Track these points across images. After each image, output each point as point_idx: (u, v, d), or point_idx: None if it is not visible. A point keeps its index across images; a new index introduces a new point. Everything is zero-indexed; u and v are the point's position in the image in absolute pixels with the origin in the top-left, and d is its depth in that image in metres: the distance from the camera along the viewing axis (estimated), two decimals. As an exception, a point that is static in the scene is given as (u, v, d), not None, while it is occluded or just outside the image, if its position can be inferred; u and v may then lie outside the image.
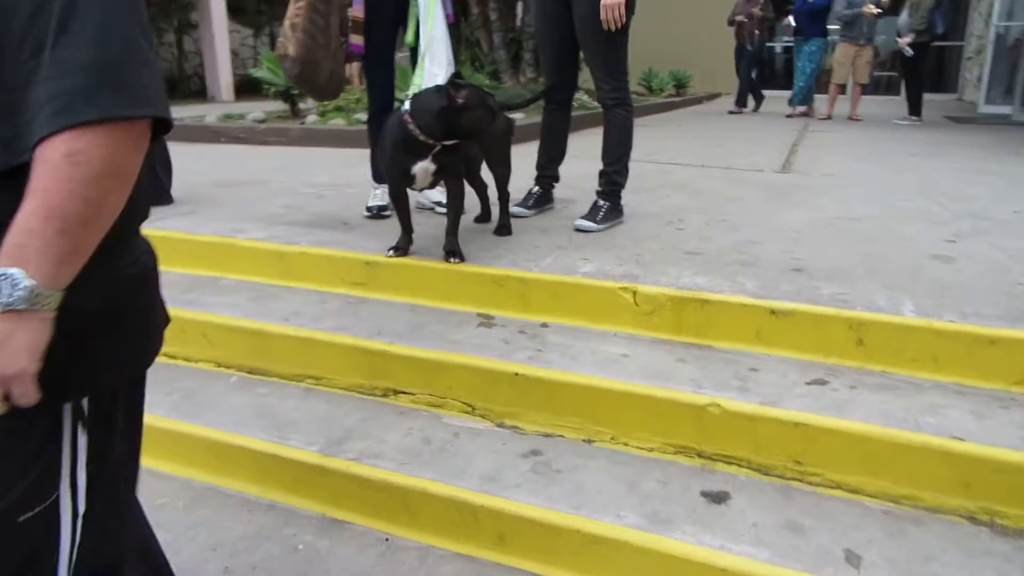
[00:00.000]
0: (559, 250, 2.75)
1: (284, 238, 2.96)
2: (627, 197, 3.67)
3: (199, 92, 14.97)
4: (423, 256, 2.69)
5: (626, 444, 2.05)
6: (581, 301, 2.39)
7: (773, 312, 2.23)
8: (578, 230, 3.03)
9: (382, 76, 3.14)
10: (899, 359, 2.13)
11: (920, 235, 3.07)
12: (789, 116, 9.45)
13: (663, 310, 2.31)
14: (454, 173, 2.56)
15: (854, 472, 1.85)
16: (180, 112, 9.61)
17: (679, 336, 2.31)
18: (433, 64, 3.03)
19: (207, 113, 8.58)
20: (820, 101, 10.39)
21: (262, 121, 7.39)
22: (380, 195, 3.35)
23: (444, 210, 3.18)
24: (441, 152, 2.47)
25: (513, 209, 3.27)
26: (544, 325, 2.41)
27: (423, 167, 2.51)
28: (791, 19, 9.45)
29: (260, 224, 3.21)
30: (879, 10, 8.67)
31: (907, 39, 8.61)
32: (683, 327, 2.31)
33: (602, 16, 2.88)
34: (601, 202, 3.13)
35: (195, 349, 2.59)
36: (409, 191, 2.65)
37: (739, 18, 10.07)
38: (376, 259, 2.68)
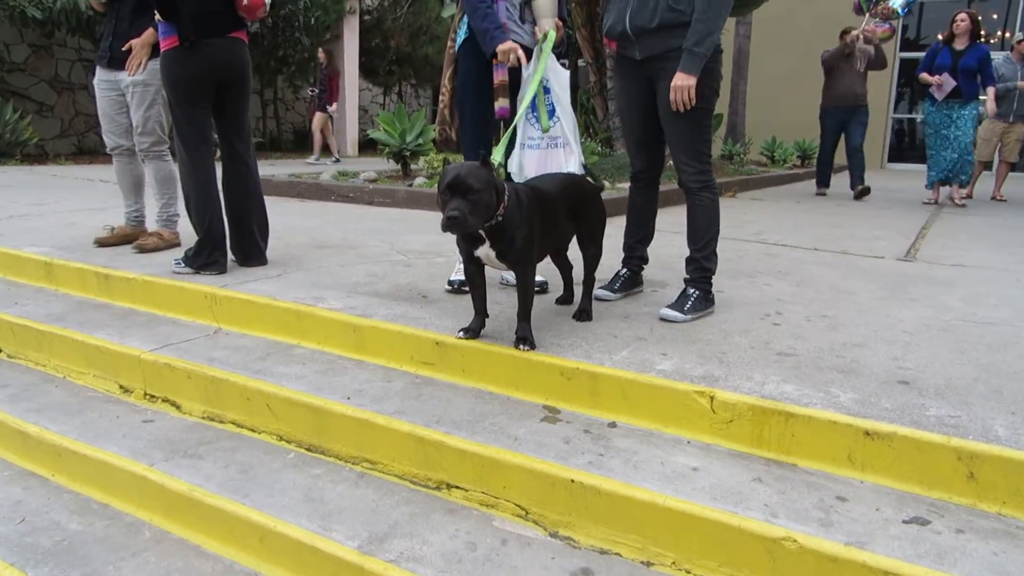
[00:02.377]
0: (638, 342, 2.65)
1: (360, 309, 2.97)
2: (723, 282, 3.51)
3: (327, 147, 15.77)
4: (495, 340, 2.63)
5: (688, 572, 1.87)
6: (653, 402, 2.28)
7: (868, 433, 2.01)
8: (663, 320, 2.93)
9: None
10: (1019, 501, 1.85)
11: (1057, 347, 2.75)
12: (930, 203, 7.89)
13: (742, 420, 2.15)
14: (516, 260, 2.51)
15: (953, 639, 1.60)
16: (303, 168, 10.11)
17: (759, 450, 2.13)
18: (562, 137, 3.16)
19: (327, 170, 8.93)
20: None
21: (373, 181, 7.66)
22: (463, 269, 3.32)
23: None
24: (497, 238, 2.46)
25: (598, 292, 3.21)
26: (612, 425, 2.29)
27: (485, 252, 2.51)
28: (946, 76, 7.40)
29: (342, 292, 3.25)
30: None
31: None
32: (764, 440, 2.13)
33: (671, 97, 2.83)
34: (691, 290, 3.03)
35: (260, 419, 2.60)
36: (493, 268, 2.66)
37: (856, 37, 7.91)
38: (446, 339, 2.64)
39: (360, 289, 3.33)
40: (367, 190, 6.89)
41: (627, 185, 7.63)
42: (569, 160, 3.16)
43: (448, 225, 2.26)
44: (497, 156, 2.95)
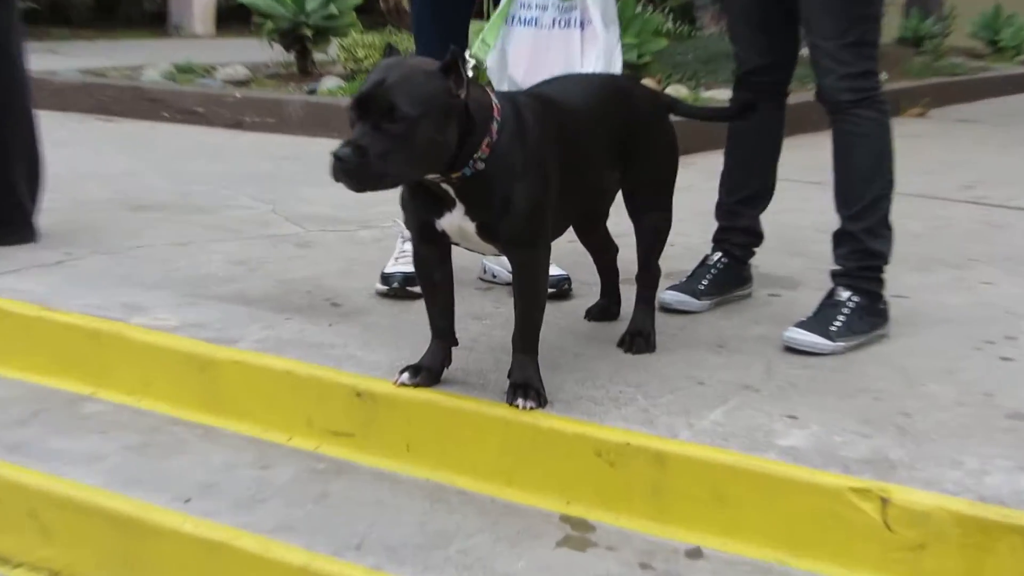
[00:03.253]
0: (744, 392, 2.68)
1: (215, 329, 3.00)
2: (902, 278, 3.53)
3: (156, 17, 15.78)
4: (468, 388, 2.66)
5: None
6: (772, 510, 2.30)
7: None
8: (791, 349, 2.97)
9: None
10: None
11: None
12: None
13: (943, 542, 2.16)
14: (513, 238, 2.56)
15: None
16: (111, 54, 10.10)
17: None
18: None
19: (155, 61, 8.97)
20: None
21: (242, 83, 7.64)
22: (411, 255, 3.33)
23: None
24: (476, 197, 2.50)
25: (666, 297, 3.27)
26: (694, 554, 2.31)
27: (455, 224, 2.55)
28: None
29: (179, 296, 3.27)
30: None
31: None
32: (985, 585, 2.12)
33: None
34: (843, 294, 3.08)
35: (18, 542, 2.56)
36: (464, 252, 2.67)
37: None
38: (376, 387, 2.68)
39: (214, 290, 3.33)
40: (231, 101, 6.82)
41: (724, 96, 7.67)
42: (588, 50, 3.22)
43: (335, 173, 2.30)
44: (488, 40, 2.99)
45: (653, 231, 2.98)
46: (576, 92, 2.80)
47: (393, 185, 2.42)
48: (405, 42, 7.90)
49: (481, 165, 2.43)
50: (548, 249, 2.62)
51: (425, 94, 2.33)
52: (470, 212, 2.50)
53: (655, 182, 2.97)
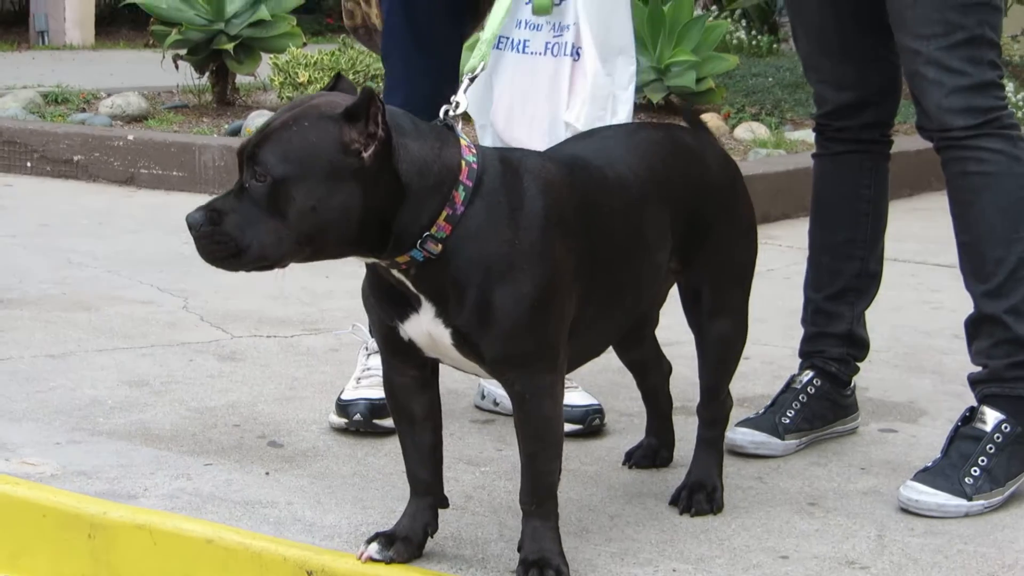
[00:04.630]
0: (846, 572, 2.67)
1: (106, 479, 3.01)
2: None
3: (13, 18, 15.84)
4: (459, 564, 2.67)
5: None
6: None
7: None
8: (907, 511, 2.97)
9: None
10: None
11: None
12: None
13: None
14: (510, 357, 2.56)
15: None
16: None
17: None
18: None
19: (11, 84, 9.10)
20: None
21: (135, 119, 7.72)
22: (377, 375, 3.36)
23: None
24: (445, 292, 2.52)
25: (736, 436, 3.27)
26: None
27: (422, 328, 2.56)
28: None
29: (54, 430, 3.29)
30: None
31: None
32: None
33: None
34: (986, 418, 3.07)
35: None
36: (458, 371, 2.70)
37: None
38: (335, 565, 2.68)
39: (104, 422, 3.36)
40: (120, 146, 6.82)
41: (804, 138, 7.50)
42: (577, 89, 3.27)
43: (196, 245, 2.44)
44: (474, 60, 2.97)
45: (723, 343, 2.97)
46: (617, 152, 2.79)
47: (261, 267, 2.45)
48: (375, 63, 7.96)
49: (437, 247, 2.44)
50: (559, 374, 2.61)
51: (302, 148, 2.37)
52: (441, 314, 2.52)
53: (727, 276, 2.96)
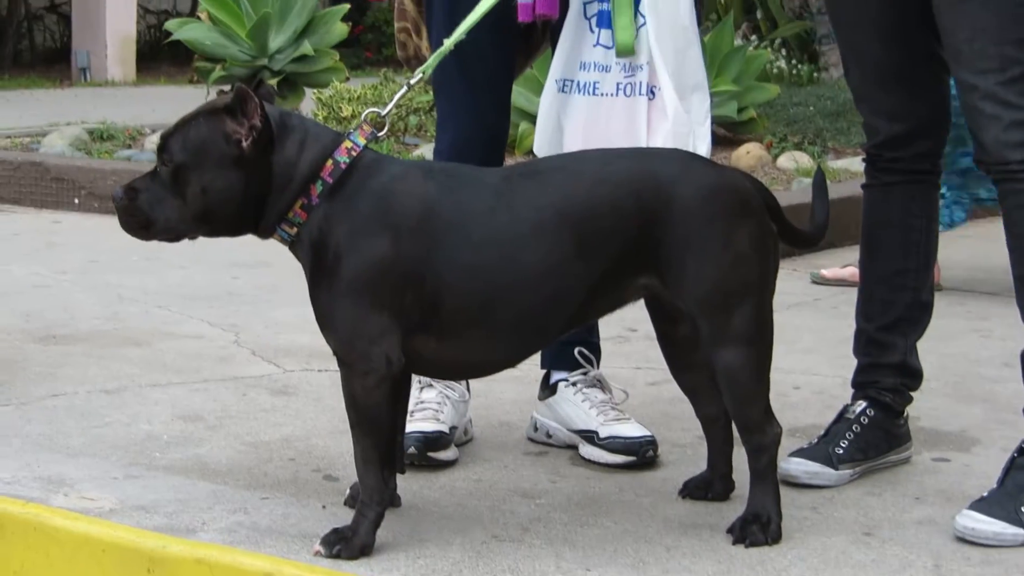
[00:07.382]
0: None
1: (164, 514, 3.00)
2: None
3: (54, 55, 15.87)
4: None
5: None
6: None
7: None
8: (964, 539, 2.95)
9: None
10: None
11: None
12: None
13: None
14: (330, 343, 2.93)
15: None
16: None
17: None
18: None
19: (57, 121, 9.08)
20: None
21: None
22: (431, 407, 3.40)
23: (608, 457, 3.33)
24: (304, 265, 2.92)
25: (790, 466, 3.26)
26: None
27: None
28: None
29: (111, 465, 3.30)
30: None
31: None
32: None
33: None
34: None
35: None
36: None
37: None
38: None
39: (160, 457, 3.37)
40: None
41: (846, 167, 7.54)
42: (657, 126, 3.28)
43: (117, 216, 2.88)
44: (418, 72, 3.19)
45: (725, 375, 2.94)
46: (550, 176, 2.94)
47: (168, 238, 2.94)
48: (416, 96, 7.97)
49: (292, 230, 2.86)
50: (372, 375, 2.81)
51: (197, 138, 2.84)
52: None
53: (719, 303, 2.92)
